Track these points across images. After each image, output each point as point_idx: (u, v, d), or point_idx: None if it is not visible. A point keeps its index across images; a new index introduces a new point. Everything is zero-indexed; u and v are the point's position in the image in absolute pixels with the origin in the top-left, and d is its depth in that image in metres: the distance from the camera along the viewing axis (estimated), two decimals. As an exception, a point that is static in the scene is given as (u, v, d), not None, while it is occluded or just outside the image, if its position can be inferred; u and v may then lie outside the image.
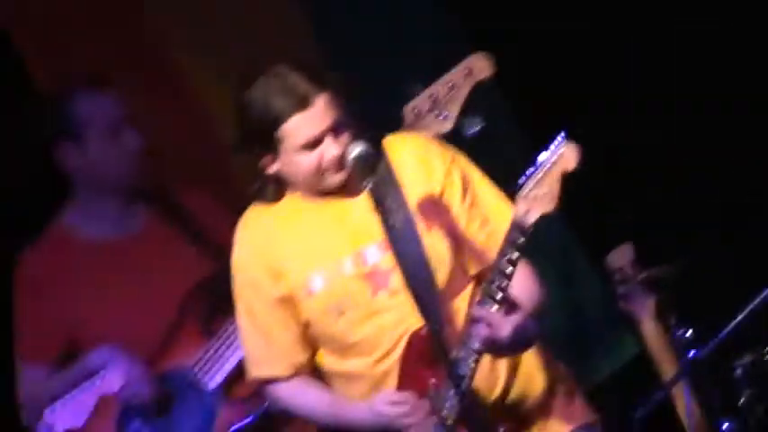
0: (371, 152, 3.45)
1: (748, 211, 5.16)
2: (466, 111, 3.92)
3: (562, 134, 3.30)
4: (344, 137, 3.49)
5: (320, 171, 3.50)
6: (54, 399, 4.26)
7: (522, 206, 3.27)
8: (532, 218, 3.27)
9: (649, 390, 4.62)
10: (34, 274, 4.37)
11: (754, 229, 5.12)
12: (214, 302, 4.32)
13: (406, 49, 5.29)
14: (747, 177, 5.26)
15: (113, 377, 4.22)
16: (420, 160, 3.60)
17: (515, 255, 3.31)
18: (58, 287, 4.36)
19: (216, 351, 4.26)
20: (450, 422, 3.50)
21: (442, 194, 3.60)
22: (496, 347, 3.40)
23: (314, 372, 3.74)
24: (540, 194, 3.31)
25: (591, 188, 4.66)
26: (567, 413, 3.79)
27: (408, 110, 3.86)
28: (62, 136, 4.29)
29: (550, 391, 3.75)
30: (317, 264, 3.57)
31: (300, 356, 3.64)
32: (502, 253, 3.32)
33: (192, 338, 4.33)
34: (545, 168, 3.33)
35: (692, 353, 4.57)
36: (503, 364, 3.65)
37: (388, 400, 3.53)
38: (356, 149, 3.43)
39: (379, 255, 3.54)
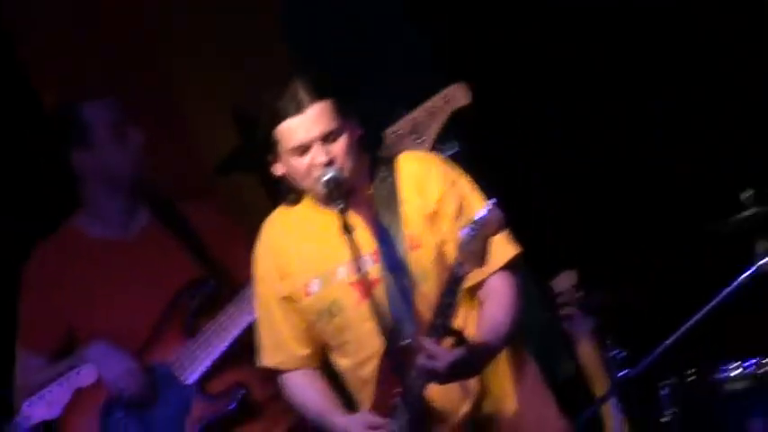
0: (341, 178, 3.59)
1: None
2: (443, 134, 4.14)
3: None
4: (337, 146, 3.62)
5: (310, 175, 3.63)
6: (42, 387, 4.47)
7: (459, 258, 3.50)
8: (466, 270, 3.50)
9: (582, 407, 4.86)
10: (41, 266, 4.64)
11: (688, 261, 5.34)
12: (198, 304, 4.60)
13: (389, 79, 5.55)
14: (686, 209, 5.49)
15: (89, 371, 4.44)
16: (419, 180, 3.75)
17: (453, 296, 3.51)
18: (61, 280, 4.62)
19: (195, 349, 4.49)
20: None
21: (435, 214, 3.75)
22: (432, 377, 3.57)
23: (322, 368, 3.87)
24: (475, 251, 3.50)
25: (537, 218, 5.02)
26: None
27: (389, 132, 4.06)
28: (75, 144, 4.57)
29: (523, 415, 3.86)
30: (316, 269, 3.79)
31: (301, 350, 3.85)
32: (443, 291, 3.53)
33: (176, 336, 4.60)
34: (480, 235, 3.52)
35: (622, 373, 4.86)
36: (472, 384, 3.76)
37: (364, 425, 3.71)
38: (327, 174, 3.57)
39: (370, 265, 3.67)
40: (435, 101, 4.14)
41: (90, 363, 4.52)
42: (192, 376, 4.57)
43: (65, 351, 4.65)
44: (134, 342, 4.60)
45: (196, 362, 4.59)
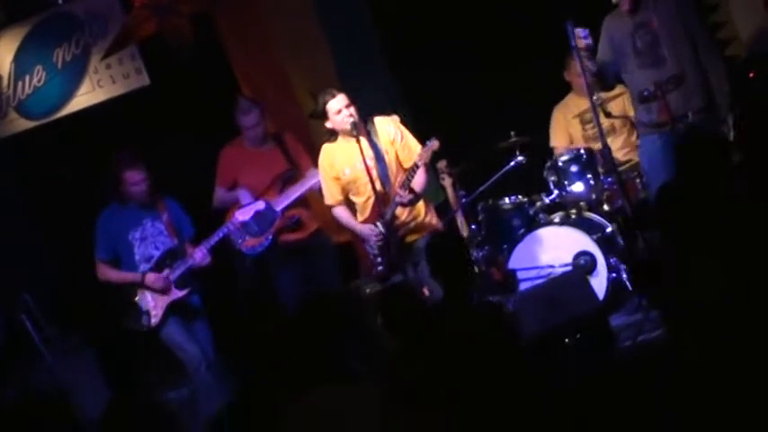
0: (357, 122, 7.17)
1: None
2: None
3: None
4: (353, 109, 7.20)
5: (344, 123, 7.18)
6: (223, 203, 8.39)
7: (420, 154, 7.12)
8: (422, 160, 7.10)
9: (446, 213, 8.58)
10: (226, 152, 8.46)
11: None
12: (286, 179, 8.30)
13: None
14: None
15: (240, 196, 8.30)
16: (386, 126, 7.33)
17: (413, 172, 7.11)
18: (233, 160, 8.43)
19: (282, 198, 8.24)
20: (383, 233, 7.24)
21: (393, 140, 7.30)
22: (402, 203, 7.18)
23: (348, 204, 7.54)
24: (424, 157, 7.07)
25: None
26: (433, 225, 7.58)
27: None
28: (240, 117, 8.36)
29: (426, 216, 7.50)
30: (347, 163, 7.43)
31: (340, 197, 7.58)
32: (409, 170, 7.20)
33: (275, 191, 8.31)
34: (427, 150, 7.12)
35: (463, 200, 8.70)
36: (409, 208, 7.31)
37: (369, 227, 7.35)
38: (351, 121, 7.24)
39: (369, 160, 7.21)
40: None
41: (241, 195, 8.26)
42: (279, 207, 8.28)
43: (231, 189, 8.36)
44: (258, 192, 8.28)
45: (281, 203, 8.24)
